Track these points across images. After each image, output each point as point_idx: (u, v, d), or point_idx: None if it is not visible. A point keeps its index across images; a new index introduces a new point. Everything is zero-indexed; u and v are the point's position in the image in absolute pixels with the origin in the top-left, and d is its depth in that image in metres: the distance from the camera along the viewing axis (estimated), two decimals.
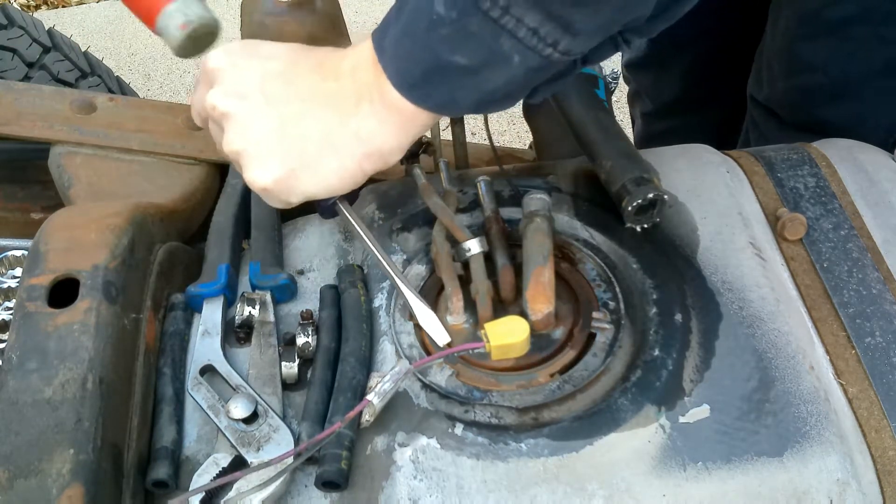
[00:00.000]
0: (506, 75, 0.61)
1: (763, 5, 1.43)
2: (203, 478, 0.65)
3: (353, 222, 0.75)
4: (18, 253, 0.89)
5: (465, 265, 0.76)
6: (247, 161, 0.69)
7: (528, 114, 1.12)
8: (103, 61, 1.82)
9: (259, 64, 0.70)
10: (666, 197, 0.77)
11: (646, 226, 0.79)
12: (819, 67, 1.35)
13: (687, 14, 0.65)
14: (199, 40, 0.73)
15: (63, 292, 0.70)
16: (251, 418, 0.68)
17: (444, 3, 0.58)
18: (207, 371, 0.73)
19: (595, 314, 0.73)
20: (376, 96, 0.65)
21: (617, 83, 1.14)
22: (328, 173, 0.69)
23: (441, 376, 0.70)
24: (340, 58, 0.68)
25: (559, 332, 0.73)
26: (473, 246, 0.76)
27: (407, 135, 0.68)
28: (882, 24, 1.29)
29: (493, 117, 2.49)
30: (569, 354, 0.71)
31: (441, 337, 0.70)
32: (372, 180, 0.74)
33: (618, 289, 0.75)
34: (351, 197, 0.74)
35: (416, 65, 0.62)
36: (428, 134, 1.00)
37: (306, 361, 0.74)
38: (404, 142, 0.68)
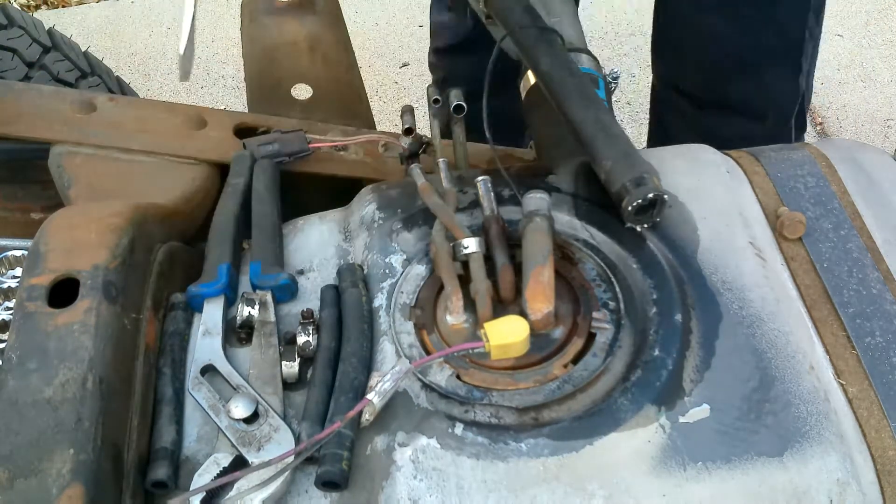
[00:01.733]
0: None
1: None
2: (204, 477, 0.65)
3: None
4: (18, 253, 0.89)
5: (465, 265, 0.76)
6: None
7: (528, 114, 1.12)
8: (103, 61, 1.81)
9: None
10: (666, 197, 0.77)
11: (646, 226, 0.79)
12: (722, 40, 1.39)
13: None
14: None
15: (63, 292, 0.70)
16: (252, 418, 0.68)
17: None
18: (208, 371, 0.73)
19: (595, 314, 0.73)
20: None
21: (617, 83, 1.14)
22: None
23: (441, 376, 0.70)
24: None
25: (558, 332, 0.73)
26: (471, 244, 0.76)
27: None
28: (769, 6, 1.31)
29: None
30: (570, 351, 0.71)
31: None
32: (371, 180, 0.74)
33: (618, 289, 0.75)
34: None
35: None
36: (428, 134, 1.00)
37: (307, 361, 0.74)
38: None
